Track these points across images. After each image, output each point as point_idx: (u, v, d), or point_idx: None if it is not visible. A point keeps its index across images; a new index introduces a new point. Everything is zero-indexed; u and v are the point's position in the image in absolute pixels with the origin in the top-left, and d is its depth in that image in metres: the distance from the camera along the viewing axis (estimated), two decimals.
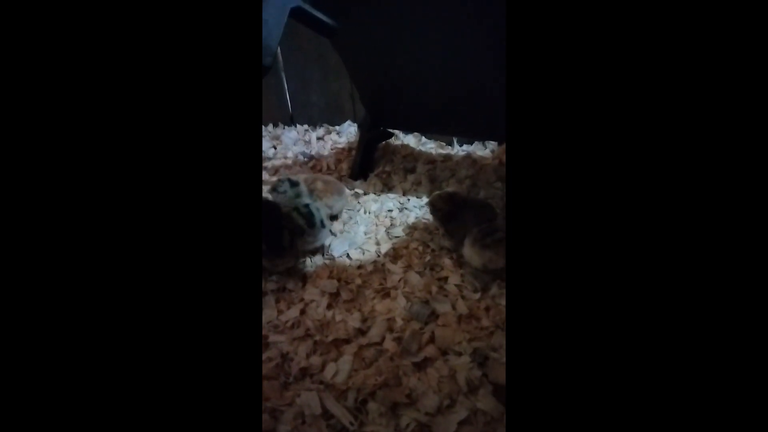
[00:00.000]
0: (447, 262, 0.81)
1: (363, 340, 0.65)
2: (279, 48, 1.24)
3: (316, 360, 0.63)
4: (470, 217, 0.80)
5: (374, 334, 0.66)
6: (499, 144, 1.20)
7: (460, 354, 0.62)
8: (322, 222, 0.81)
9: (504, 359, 0.61)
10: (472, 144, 1.23)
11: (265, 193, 0.87)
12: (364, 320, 0.69)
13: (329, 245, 0.87)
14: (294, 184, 0.86)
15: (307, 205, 0.81)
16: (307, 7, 0.63)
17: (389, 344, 0.64)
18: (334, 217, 0.97)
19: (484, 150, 1.21)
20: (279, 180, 0.86)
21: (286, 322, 0.70)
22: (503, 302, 0.72)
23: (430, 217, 0.95)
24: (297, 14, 0.61)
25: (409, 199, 1.03)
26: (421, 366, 0.61)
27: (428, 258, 0.83)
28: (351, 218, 0.97)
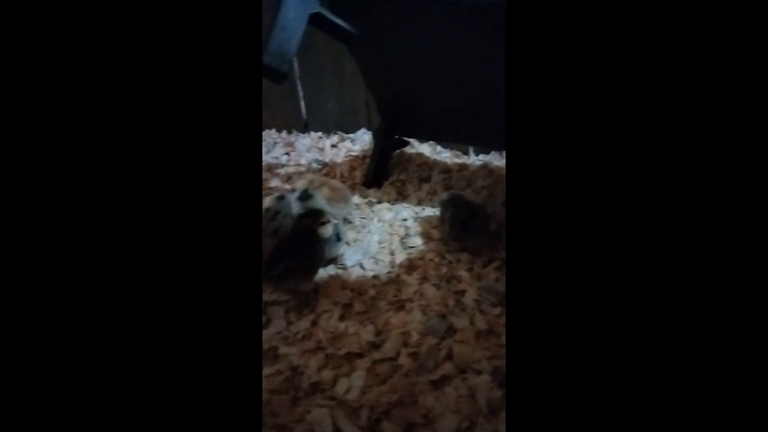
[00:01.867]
0: (464, 275, 0.78)
1: (377, 355, 0.63)
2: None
3: (327, 374, 0.60)
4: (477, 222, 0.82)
5: (389, 348, 0.64)
6: None
7: (479, 372, 0.59)
8: (338, 234, 0.80)
9: None
10: (488, 153, 1.20)
11: (270, 201, 0.84)
12: (378, 333, 0.66)
13: (342, 254, 0.84)
14: (307, 196, 0.84)
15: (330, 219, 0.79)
16: (326, 13, 0.62)
17: (404, 359, 0.61)
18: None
19: (501, 160, 1.18)
20: (279, 196, 0.84)
21: (297, 333, 0.67)
22: None
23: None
24: (316, 20, 0.60)
25: (423, 209, 1.00)
26: (438, 384, 0.58)
27: (444, 270, 0.80)
28: (364, 227, 0.95)
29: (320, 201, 0.84)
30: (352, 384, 0.58)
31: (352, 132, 1.33)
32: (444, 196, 0.91)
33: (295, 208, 0.82)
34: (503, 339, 0.65)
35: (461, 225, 0.82)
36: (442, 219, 0.87)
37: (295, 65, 1.26)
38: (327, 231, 0.75)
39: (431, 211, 0.98)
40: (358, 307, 0.71)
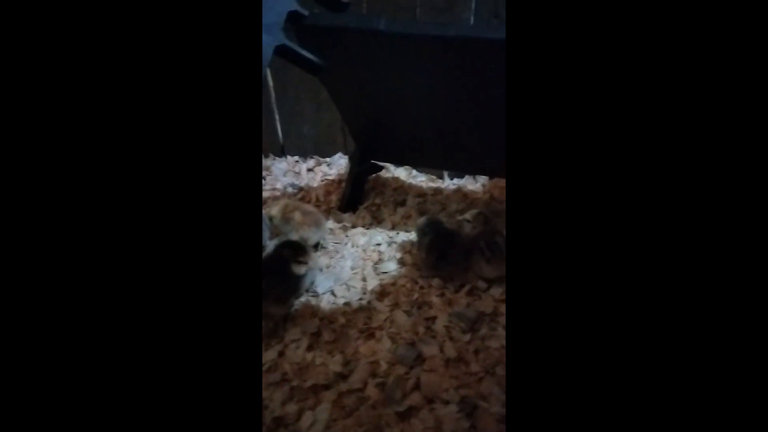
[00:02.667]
0: (435, 300, 0.78)
1: (344, 386, 0.61)
2: (270, 79, 1.25)
3: (292, 408, 0.58)
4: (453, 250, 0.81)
5: (356, 379, 0.62)
6: (490, 178, 1.20)
7: (447, 402, 0.58)
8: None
9: (493, 409, 0.57)
10: (462, 178, 1.22)
11: None
12: (346, 363, 0.65)
13: (314, 282, 0.83)
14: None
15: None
16: (292, 45, 0.63)
17: (372, 391, 0.60)
18: (314, 247, 0.95)
19: (475, 184, 1.20)
20: None
21: (263, 365, 0.65)
22: (493, 344, 0.69)
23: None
24: (282, 52, 0.60)
25: (398, 233, 1.00)
26: (404, 416, 0.57)
27: (416, 296, 0.80)
28: (337, 252, 0.94)
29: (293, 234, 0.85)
30: (317, 418, 0.57)
31: (329, 156, 1.34)
32: (421, 221, 0.89)
33: (266, 232, 0.82)
34: (472, 367, 0.65)
35: (439, 254, 0.82)
36: (419, 245, 0.87)
37: (271, 90, 1.27)
38: (300, 270, 0.74)
39: (405, 236, 0.99)
40: (326, 336, 0.70)
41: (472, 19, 1.01)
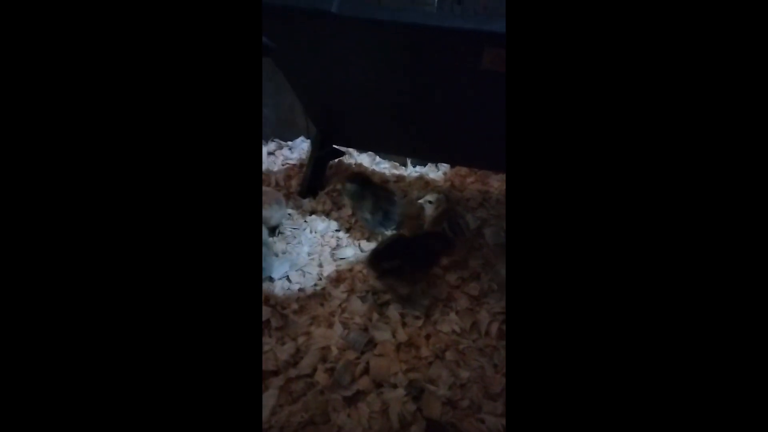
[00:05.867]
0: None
1: (293, 372, 0.61)
2: None
3: None
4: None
5: (306, 365, 0.62)
6: (451, 167, 1.21)
7: (395, 386, 0.59)
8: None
9: (440, 392, 0.58)
10: (425, 165, 1.23)
11: None
12: (296, 350, 0.65)
13: (269, 267, 0.82)
14: None
15: None
16: None
17: (321, 376, 0.60)
18: (273, 230, 0.93)
19: (436, 172, 1.21)
20: None
21: None
22: (445, 328, 0.70)
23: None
24: None
25: (357, 220, 1.00)
26: (352, 400, 0.57)
27: (371, 281, 0.80)
28: (295, 238, 0.92)
29: None
30: (264, 404, 0.56)
31: (290, 140, 1.31)
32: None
33: None
34: (423, 351, 0.65)
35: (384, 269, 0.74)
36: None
37: None
38: None
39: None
40: (275, 322, 0.69)
41: (435, 4, 0.99)
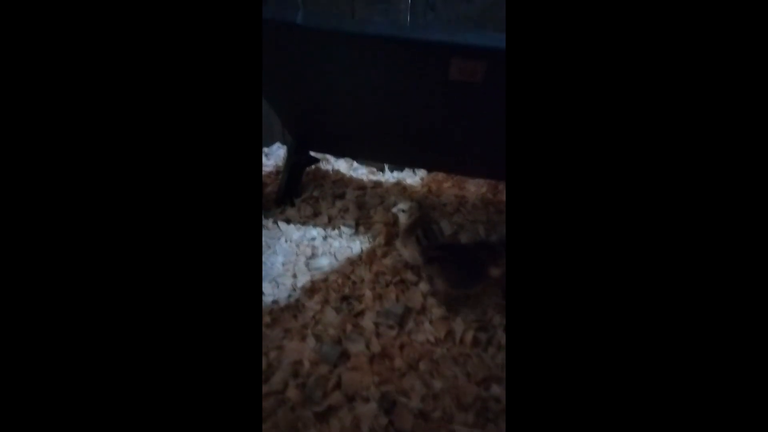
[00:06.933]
0: (367, 294, 0.78)
1: (264, 388, 0.60)
2: None
3: None
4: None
5: (277, 380, 0.61)
6: (428, 172, 1.21)
7: (367, 400, 0.59)
8: None
9: (412, 404, 0.58)
10: (402, 171, 1.23)
11: None
12: (268, 366, 0.64)
13: None
14: None
15: None
16: None
17: (292, 392, 0.59)
18: None
19: (414, 177, 1.21)
20: None
21: None
22: (419, 338, 0.70)
23: (353, 245, 0.92)
24: None
25: (334, 228, 0.99)
26: (323, 416, 0.57)
27: (347, 290, 0.79)
28: (269, 247, 0.91)
29: None
30: None
31: (266, 146, 1.29)
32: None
33: None
34: (396, 362, 0.65)
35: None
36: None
37: None
38: None
39: (343, 230, 0.97)
40: None
41: (408, 11, 1.00)
